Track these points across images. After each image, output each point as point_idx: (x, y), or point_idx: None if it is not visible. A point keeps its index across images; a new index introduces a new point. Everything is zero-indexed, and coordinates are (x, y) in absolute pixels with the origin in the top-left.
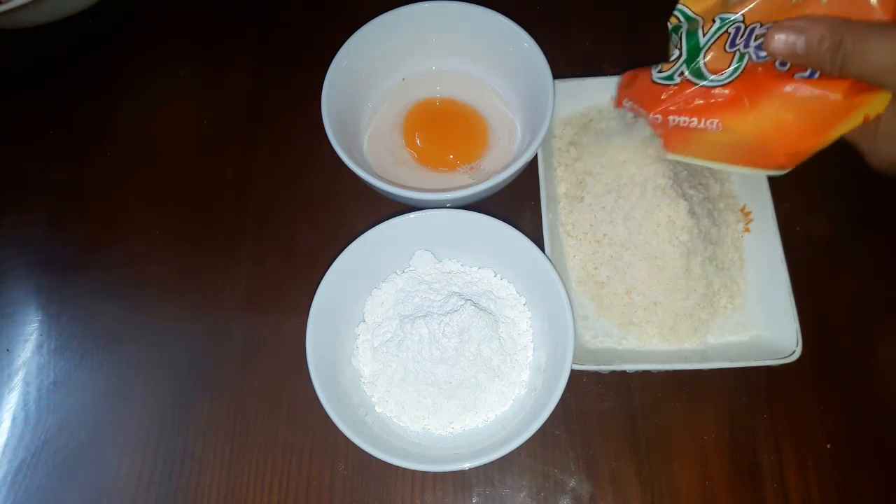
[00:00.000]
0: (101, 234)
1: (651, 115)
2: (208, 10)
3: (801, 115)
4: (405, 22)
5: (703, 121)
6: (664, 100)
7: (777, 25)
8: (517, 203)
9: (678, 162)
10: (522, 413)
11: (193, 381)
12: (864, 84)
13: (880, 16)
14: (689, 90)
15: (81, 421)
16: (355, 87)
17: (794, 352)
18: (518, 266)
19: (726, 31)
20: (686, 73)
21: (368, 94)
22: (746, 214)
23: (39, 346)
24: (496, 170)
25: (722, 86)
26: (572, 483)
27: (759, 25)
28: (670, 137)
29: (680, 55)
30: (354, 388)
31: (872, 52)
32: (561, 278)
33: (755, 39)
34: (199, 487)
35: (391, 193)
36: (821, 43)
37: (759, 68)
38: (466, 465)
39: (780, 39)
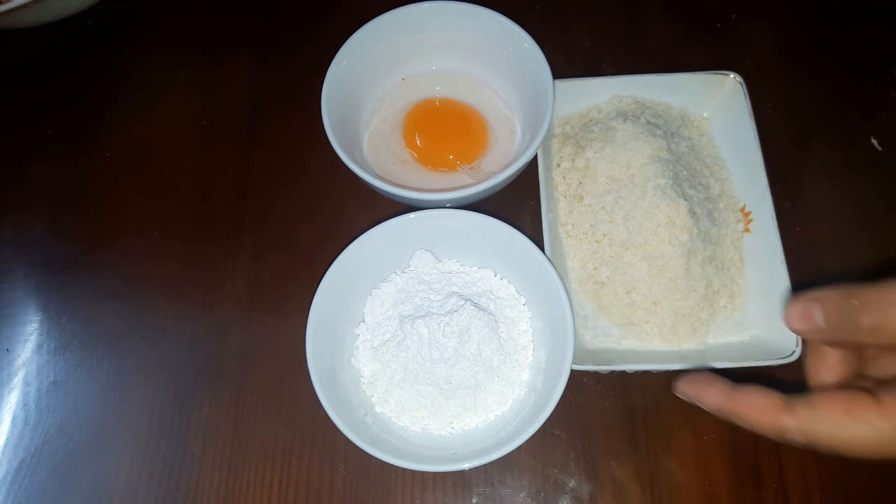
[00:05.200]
0: (101, 234)
1: None
2: (208, 10)
3: None
4: (405, 22)
5: None
6: None
7: (793, 299)
8: (517, 203)
9: (678, 162)
10: (522, 413)
11: (193, 381)
12: None
13: None
14: None
15: (81, 421)
16: (355, 87)
17: (794, 352)
18: (518, 266)
19: None
20: None
21: (368, 94)
22: (746, 214)
23: (39, 346)
24: (496, 170)
25: None
26: (572, 483)
27: None
28: None
29: None
30: (354, 388)
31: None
32: (561, 278)
33: None
34: (199, 487)
35: (391, 193)
36: (840, 309)
37: None
38: (466, 466)
39: (796, 311)
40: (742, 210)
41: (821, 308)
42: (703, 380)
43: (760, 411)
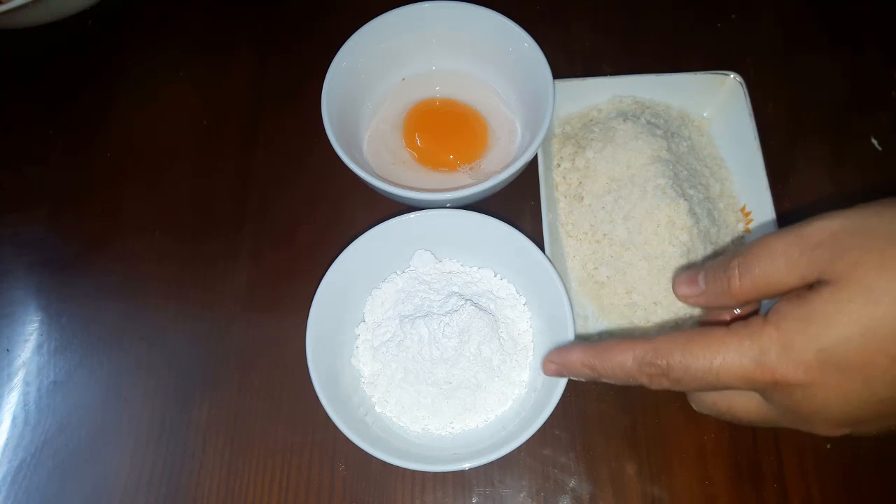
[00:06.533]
0: (101, 234)
1: None
2: (208, 10)
3: None
4: (405, 22)
5: None
6: None
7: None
8: (517, 203)
9: (678, 162)
10: (522, 413)
11: (193, 381)
12: None
13: None
14: None
15: (81, 421)
16: (355, 87)
17: None
18: (518, 266)
19: None
20: None
21: (368, 94)
22: (746, 214)
23: (39, 346)
24: (496, 170)
25: None
26: (572, 483)
27: None
28: None
29: None
30: (354, 388)
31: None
32: (561, 278)
33: None
34: (199, 487)
35: (391, 193)
36: (718, 267)
37: None
38: (466, 466)
39: (682, 278)
40: (742, 210)
41: (703, 273)
42: (562, 349)
43: (620, 348)
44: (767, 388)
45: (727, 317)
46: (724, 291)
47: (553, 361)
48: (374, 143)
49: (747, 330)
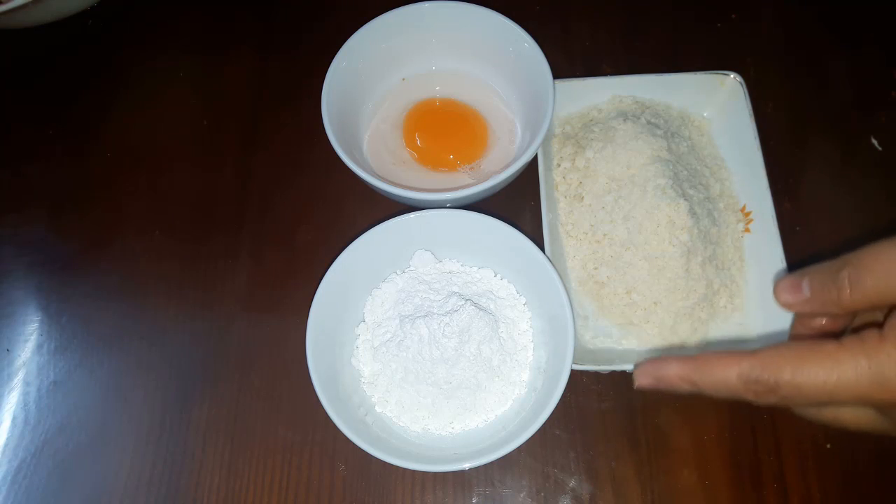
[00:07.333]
0: (101, 234)
1: None
2: (208, 10)
3: None
4: (405, 22)
5: None
6: None
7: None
8: (517, 203)
9: (678, 162)
10: (522, 413)
11: (193, 381)
12: None
13: None
14: None
15: (81, 421)
16: (355, 87)
17: None
18: (518, 266)
19: None
20: None
21: (368, 94)
22: (746, 214)
23: (39, 346)
24: (496, 170)
25: None
26: (572, 483)
27: None
28: None
29: None
30: (354, 388)
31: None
32: (561, 278)
33: None
34: (199, 487)
35: (391, 193)
36: (824, 274)
37: None
38: (466, 466)
39: (784, 285)
40: (742, 210)
41: (808, 280)
42: (656, 361)
43: (723, 363)
44: (886, 406)
45: (822, 322)
46: (832, 302)
47: (648, 374)
48: (374, 143)
49: (863, 347)
